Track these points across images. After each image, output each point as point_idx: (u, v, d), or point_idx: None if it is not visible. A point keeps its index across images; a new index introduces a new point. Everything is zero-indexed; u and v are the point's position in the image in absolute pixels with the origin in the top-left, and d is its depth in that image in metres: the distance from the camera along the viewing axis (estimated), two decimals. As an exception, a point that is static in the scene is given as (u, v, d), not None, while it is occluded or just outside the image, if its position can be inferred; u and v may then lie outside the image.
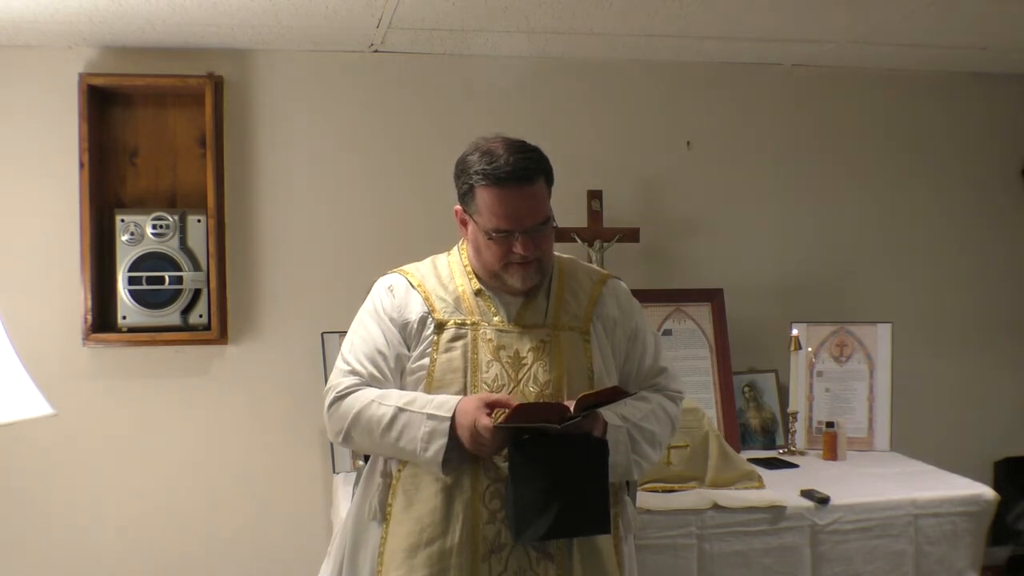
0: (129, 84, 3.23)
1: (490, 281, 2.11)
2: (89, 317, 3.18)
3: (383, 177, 3.42)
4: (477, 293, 2.11)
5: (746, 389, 3.50)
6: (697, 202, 3.65)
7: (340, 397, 2.05)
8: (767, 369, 3.54)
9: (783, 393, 3.45)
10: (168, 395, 3.32)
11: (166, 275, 3.20)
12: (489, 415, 1.90)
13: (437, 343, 2.06)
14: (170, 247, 3.22)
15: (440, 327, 2.07)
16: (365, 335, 2.11)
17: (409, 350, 2.09)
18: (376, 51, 3.39)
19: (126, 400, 3.29)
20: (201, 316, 3.25)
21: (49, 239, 3.22)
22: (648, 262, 3.60)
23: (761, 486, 2.80)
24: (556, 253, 2.18)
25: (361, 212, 3.42)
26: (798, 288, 3.69)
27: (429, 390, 2.04)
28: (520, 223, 2.00)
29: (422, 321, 2.08)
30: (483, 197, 2.00)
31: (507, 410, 1.89)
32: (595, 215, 3.44)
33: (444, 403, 1.97)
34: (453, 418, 1.94)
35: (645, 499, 2.67)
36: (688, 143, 3.65)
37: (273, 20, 2.98)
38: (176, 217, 3.23)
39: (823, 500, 2.69)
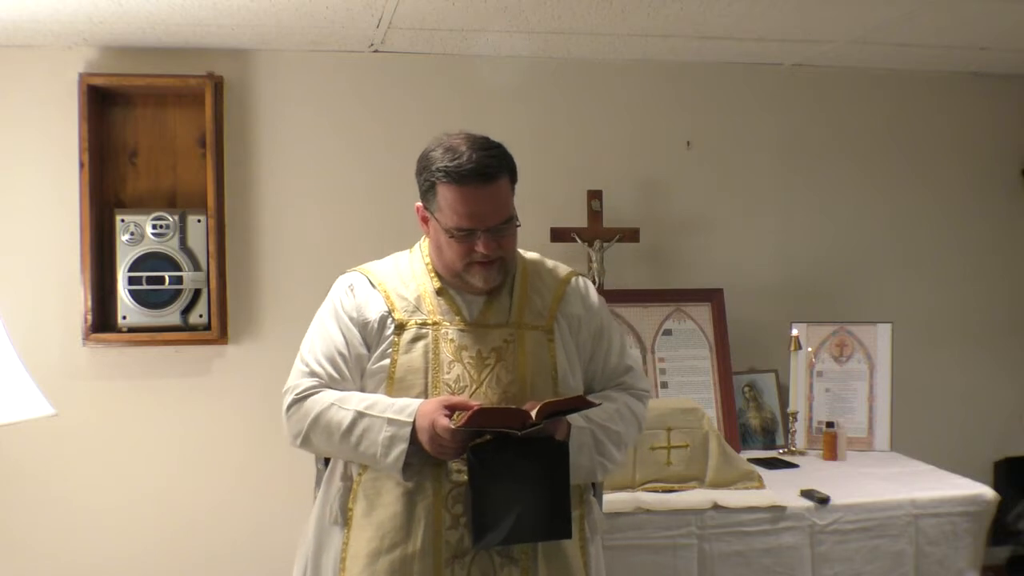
0: (129, 84, 3.23)
1: (452, 280, 2.06)
2: (89, 317, 3.18)
3: (383, 177, 3.42)
4: (439, 292, 2.07)
5: (746, 389, 3.50)
6: (697, 202, 3.65)
7: (299, 399, 2.03)
8: (767, 369, 3.54)
9: (783, 393, 3.45)
10: (168, 395, 3.32)
11: (166, 275, 3.20)
12: (448, 417, 1.87)
13: (397, 344, 2.02)
14: (170, 247, 3.22)
15: (400, 327, 2.03)
16: (324, 335, 2.07)
17: (369, 351, 2.05)
18: (376, 51, 3.39)
19: (126, 400, 3.29)
20: (201, 316, 3.25)
21: (49, 239, 3.22)
22: (648, 262, 3.61)
23: (761, 486, 2.80)
24: (520, 251, 2.14)
25: (361, 212, 3.42)
26: (798, 288, 3.69)
27: (390, 391, 2.01)
28: (483, 222, 1.96)
29: (382, 321, 2.04)
30: (445, 195, 1.96)
31: (467, 412, 1.85)
32: (595, 215, 3.44)
33: (404, 407, 1.94)
34: (414, 422, 1.91)
35: (645, 499, 2.67)
36: (688, 143, 3.65)
37: (273, 20, 2.98)
38: (176, 217, 3.23)
39: (823, 500, 2.69)
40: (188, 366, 3.32)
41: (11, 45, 3.17)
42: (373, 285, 2.09)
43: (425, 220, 2.06)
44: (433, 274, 2.09)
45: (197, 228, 3.25)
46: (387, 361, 2.02)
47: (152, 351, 3.29)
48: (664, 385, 3.36)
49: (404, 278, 2.10)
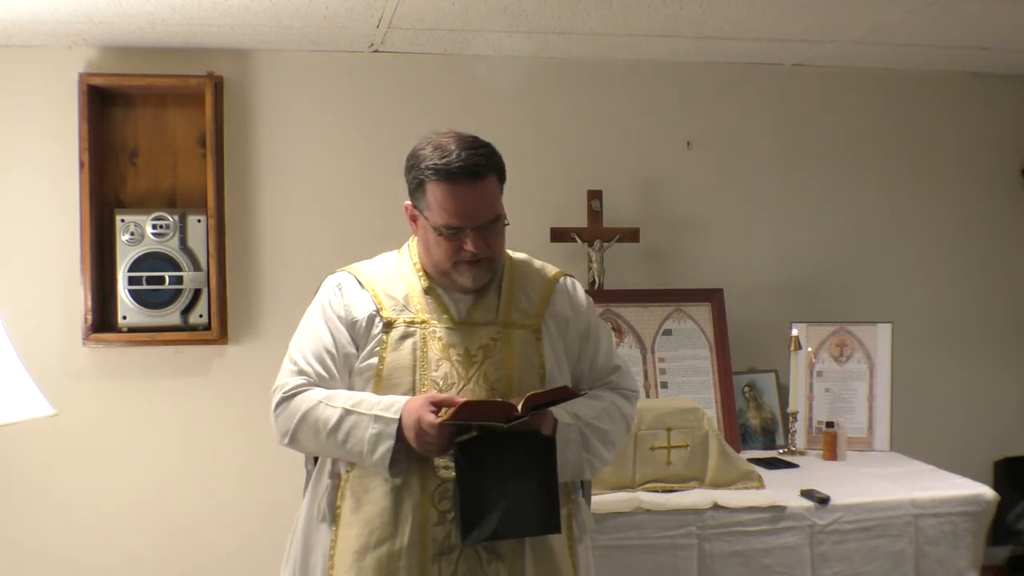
0: (129, 84, 3.23)
1: (440, 279, 2.07)
2: (89, 317, 3.18)
3: (383, 177, 3.41)
4: (427, 291, 2.08)
5: (746, 389, 3.50)
6: (697, 202, 3.65)
7: (287, 398, 2.03)
8: (767, 369, 3.54)
9: (783, 393, 3.45)
10: (168, 395, 3.32)
11: (166, 275, 3.20)
12: (435, 413, 1.88)
13: (386, 342, 2.03)
14: (170, 247, 3.22)
15: (388, 326, 2.03)
16: (313, 334, 2.08)
17: (358, 349, 2.05)
18: (376, 51, 3.39)
19: (126, 400, 3.29)
20: (201, 316, 3.25)
21: (49, 239, 3.23)
22: (648, 262, 3.61)
23: (761, 486, 2.80)
24: (508, 251, 2.15)
25: (361, 212, 3.42)
26: (798, 288, 3.69)
27: (378, 389, 2.02)
28: (471, 219, 1.96)
29: (370, 320, 2.05)
30: (433, 192, 1.97)
31: (453, 407, 1.86)
32: (595, 215, 3.45)
33: (391, 404, 1.94)
34: (400, 419, 1.91)
35: (645, 499, 2.67)
36: (688, 143, 3.65)
37: (273, 20, 2.98)
38: (176, 217, 3.23)
39: (823, 500, 2.69)
40: (188, 366, 3.32)
41: (11, 45, 3.17)
42: (361, 284, 2.09)
43: (414, 219, 2.06)
44: (421, 273, 2.10)
45: (197, 228, 3.25)
46: (375, 359, 2.03)
47: (152, 351, 3.29)
48: (664, 385, 3.36)
49: (392, 277, 2.10)
